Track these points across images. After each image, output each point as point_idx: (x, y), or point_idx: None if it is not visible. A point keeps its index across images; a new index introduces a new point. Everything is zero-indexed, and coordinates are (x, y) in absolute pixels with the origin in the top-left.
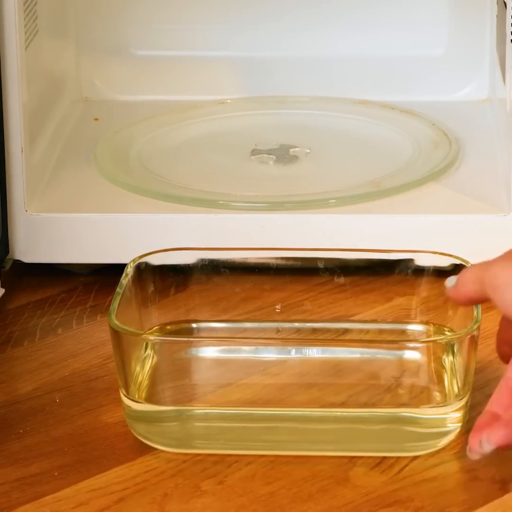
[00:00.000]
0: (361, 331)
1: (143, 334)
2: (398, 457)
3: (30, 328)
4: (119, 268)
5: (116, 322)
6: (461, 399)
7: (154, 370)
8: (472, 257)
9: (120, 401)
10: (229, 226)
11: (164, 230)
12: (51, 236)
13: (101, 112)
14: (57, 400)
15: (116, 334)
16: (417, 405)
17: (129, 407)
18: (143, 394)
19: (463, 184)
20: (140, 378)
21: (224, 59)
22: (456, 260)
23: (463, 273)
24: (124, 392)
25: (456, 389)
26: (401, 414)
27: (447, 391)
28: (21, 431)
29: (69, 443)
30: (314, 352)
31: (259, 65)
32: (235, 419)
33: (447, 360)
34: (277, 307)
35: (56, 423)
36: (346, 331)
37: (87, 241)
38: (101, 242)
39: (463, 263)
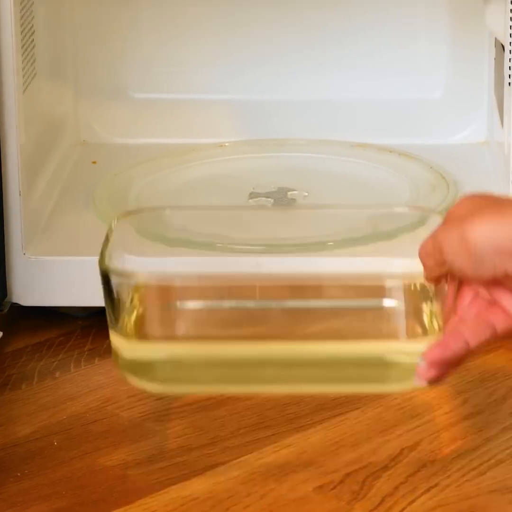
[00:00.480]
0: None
1: (132, 274)
2: (396, 501)
3: (28, 371)
4: None
5: (107, 264)
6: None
7: (142, 316)
8: None
9: (116, 446)
10: (227, 268)
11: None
12: (49, 279)
13: (99, 155)
14: (55, 443)
15: (106, 278)
16: (399, 338)
17: (119, 349)
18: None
19: None
20: (128, 325)
21: (223, 102)
22: (427, 212)
23: (419, 250)
24: (115, 331)
25: (436, 327)
26: (386, 346)
27: (427, 327)
28: (19, 474)
29: (67, 486)
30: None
31: (257, 108)
32: (221, 358)
33: (426, 306)
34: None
35: (54, 466)
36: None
37: (85, 284)
38: (99, 285)
39: (434, 214)
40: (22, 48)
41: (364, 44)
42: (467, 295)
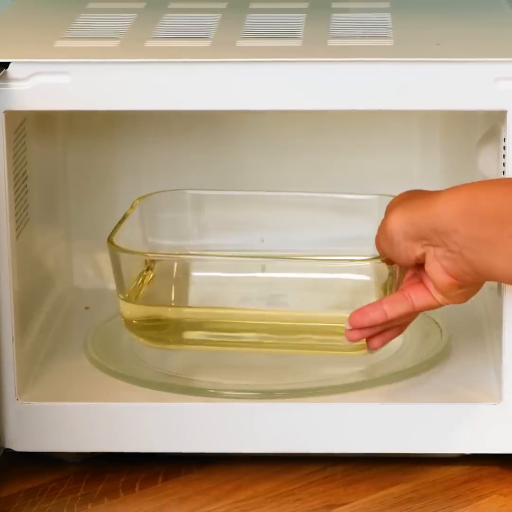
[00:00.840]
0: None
1: (139, 252)
2: None
3: None
4: (110, 457)
5: (115, 243)
6: None
7: (152, 284)
8: (465, 448)
9: None
10: (220, 414)
11: (155, 419)
12: (42, 424)
13: (92, 301)
14: None
15: (114, 252)
16: None
17: (127, 313)
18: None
19: (454, 373)
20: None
21: (216, 246)
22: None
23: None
24: (122, 297)
25: None
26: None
27: None
28: None
29: None
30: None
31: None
32: (218, 318)
33: (388, 283)
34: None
35: None
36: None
37: (78, 429)
38: (92, 431)
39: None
40: (15, 194)
41: (356, 182)
42: (408, 274)
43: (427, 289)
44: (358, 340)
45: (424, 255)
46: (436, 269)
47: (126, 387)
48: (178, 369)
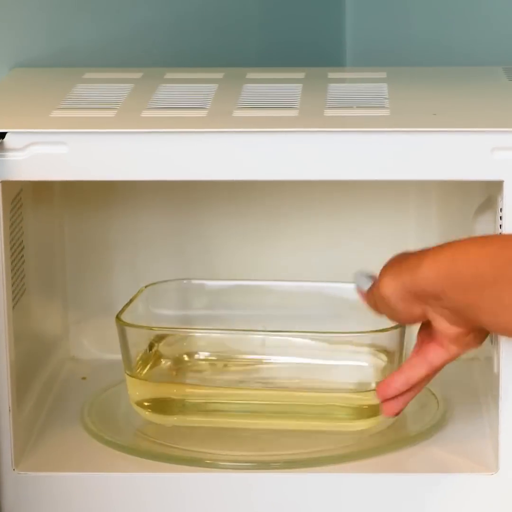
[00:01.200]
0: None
1: (144, 327)
2: None
3: None
4: None
5: (122, 318)
6: None
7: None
8: None
9: None
10: (216, 485)
11: (152, 489)
12: (39, 495)
13: (89, 371)
14: None
15: (122, 330)
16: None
17: (133, 390)
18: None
19: (450, 443)
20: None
21: (210, 317)
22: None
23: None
24: (129, 373)
25: None
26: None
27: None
28: None
29: None
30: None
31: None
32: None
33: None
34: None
35: None
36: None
37: (75, 500)
38: (88, 501)
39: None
40: (11, 263)
41: (351, 251)
42: (417, 341)
43: (440, 345)
44: (395, 412)
45: (424, 313)
46: (440, 322)
47: (122, 457)
48: (175, 439)
